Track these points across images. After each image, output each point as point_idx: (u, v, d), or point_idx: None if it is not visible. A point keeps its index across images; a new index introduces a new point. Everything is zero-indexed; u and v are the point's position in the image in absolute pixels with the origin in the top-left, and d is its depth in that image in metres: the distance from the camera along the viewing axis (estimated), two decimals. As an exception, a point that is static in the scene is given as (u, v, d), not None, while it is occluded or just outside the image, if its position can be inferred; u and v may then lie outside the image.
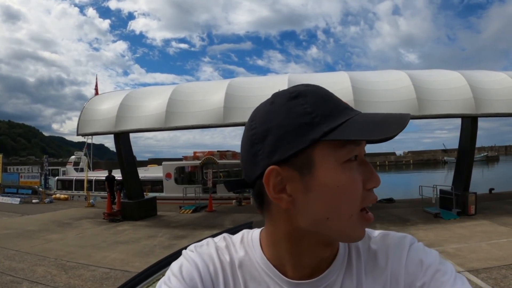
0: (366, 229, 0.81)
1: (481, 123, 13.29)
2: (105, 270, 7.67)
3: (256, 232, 0.85)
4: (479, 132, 13.19)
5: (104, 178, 19.88)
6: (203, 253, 0.80)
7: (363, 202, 0.68)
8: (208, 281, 0.75)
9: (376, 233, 0.83)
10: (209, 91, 13.56)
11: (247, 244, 0.83)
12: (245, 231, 0.88)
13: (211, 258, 0.79)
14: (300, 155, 0.68)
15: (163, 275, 0.77)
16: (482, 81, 13.27)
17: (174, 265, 0.78)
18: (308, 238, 0.73)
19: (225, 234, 0.88)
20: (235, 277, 0.78)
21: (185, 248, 0.85)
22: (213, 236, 0.89)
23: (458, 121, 14.14)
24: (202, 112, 12.78)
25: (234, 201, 19.52)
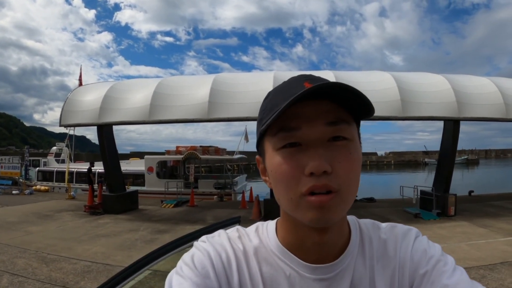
0: (375, 221, 0.90)
1: (462, 127, 13.47)
2: (87, 263, 7.61)
3: (272, 222, 0.88)
4: (460, 136, 13.35)
5: (87, 170, 19.69)
6: (215, 242, 0.82)
7: (301, 186, 0.69)
8: (220, 269, 0.77)
9: (385, 224, 0.89)
10: (194, 86, 13.50)
11: (261, 232, 0.86)
12: (259, 222, 0.91)
13: (223, 247, 0.81)
14: (260, 146, 0.81)
15: (149, 270, 0.79)
16: (466, 85, 13.46)
17: (186, 256, 0.79)
18: (293, 219, 0.77)
19: (238, 226, 0.91)
20: (250, 264, 0.80)
21: (196, 234, 0.87)
22: (199, 232, 0.90)
23: (440, 123, 14.30)
24: (187, 107, 12.74)
25: (215, 196, 19.55)
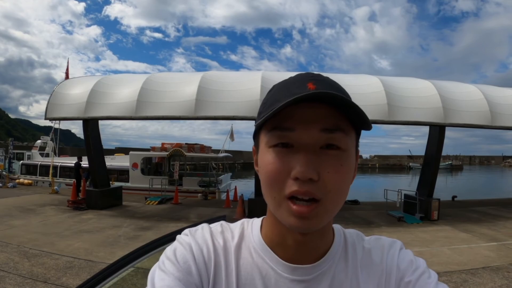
0: (359, 232, 0.90)
1: (448, 133, 13.59)
2: (69, 259, 7.55)
3: (258, 219, 0.88)
4: (445, 141, 13.47)
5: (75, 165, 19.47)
6: (197, 236, 0.82)
7: (285, 188, 0.69)
8: (201, 264, 0.76)
9: (368, 237, 0.89)
10: (182, 83, 13.45)
11: (246, 228, 0.86)
12: (245, 219, 0.91)
13: (205, 241, 0.81)
14: (256, 138, 0.81)
15: (134, 266, 0.78)
16: (452, 92, 13.61)
17: (168, 250, 0.79)
18: (275, 216, 0.76)
19: (222, 222, 0.90)
20: (228, 261, 0.79)
21: (179, 233, 0.86)
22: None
23: (425, 128, 14.38)
24: (174, 104, 12.69)
25: (200, 194, 19.50)
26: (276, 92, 0.75)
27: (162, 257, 0.78)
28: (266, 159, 0.72)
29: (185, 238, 0.82)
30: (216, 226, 0.87)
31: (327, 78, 0.74)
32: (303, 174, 0.66)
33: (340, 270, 0.80)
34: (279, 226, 0.77)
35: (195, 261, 0.76)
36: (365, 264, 0.82)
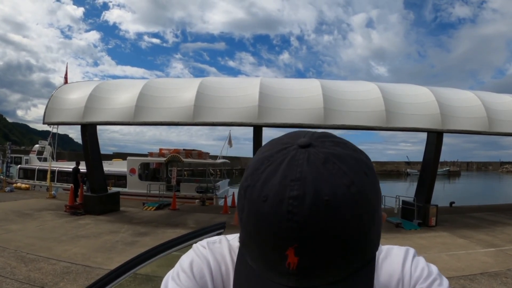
0: None
1: (445, 139, 13.58)
2: (66, 264, 7.52)
3: None
4: (442, 147, 13.49)
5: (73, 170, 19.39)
6: (215, 251, 0.78)
7: None
8: (219, 281, 0.73)
9: (382, 246, 0.88)
10: (180, 89, 13.44)
11: None
12: None
13: (223, 257, 0.77)
14: None
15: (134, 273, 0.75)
16: (450, 98, 13.62)
17: (184, 260, 0.76)
18: None
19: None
20: None
21: (178, 240, 0.83)
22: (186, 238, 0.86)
23: (423, 135, 14.41)
24: (172, 109, 12.69)
25: (197, 200, 19.47)
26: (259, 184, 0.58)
27: (177, 267, 0.74)
28: None
29: (202, 250, 0.78)
30: (234, 239, 0.82)
31: (320, 234, 0.55)
32: None
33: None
34: None
35: (212, 278, 0.72)
36: (380, 274, 0.81)
